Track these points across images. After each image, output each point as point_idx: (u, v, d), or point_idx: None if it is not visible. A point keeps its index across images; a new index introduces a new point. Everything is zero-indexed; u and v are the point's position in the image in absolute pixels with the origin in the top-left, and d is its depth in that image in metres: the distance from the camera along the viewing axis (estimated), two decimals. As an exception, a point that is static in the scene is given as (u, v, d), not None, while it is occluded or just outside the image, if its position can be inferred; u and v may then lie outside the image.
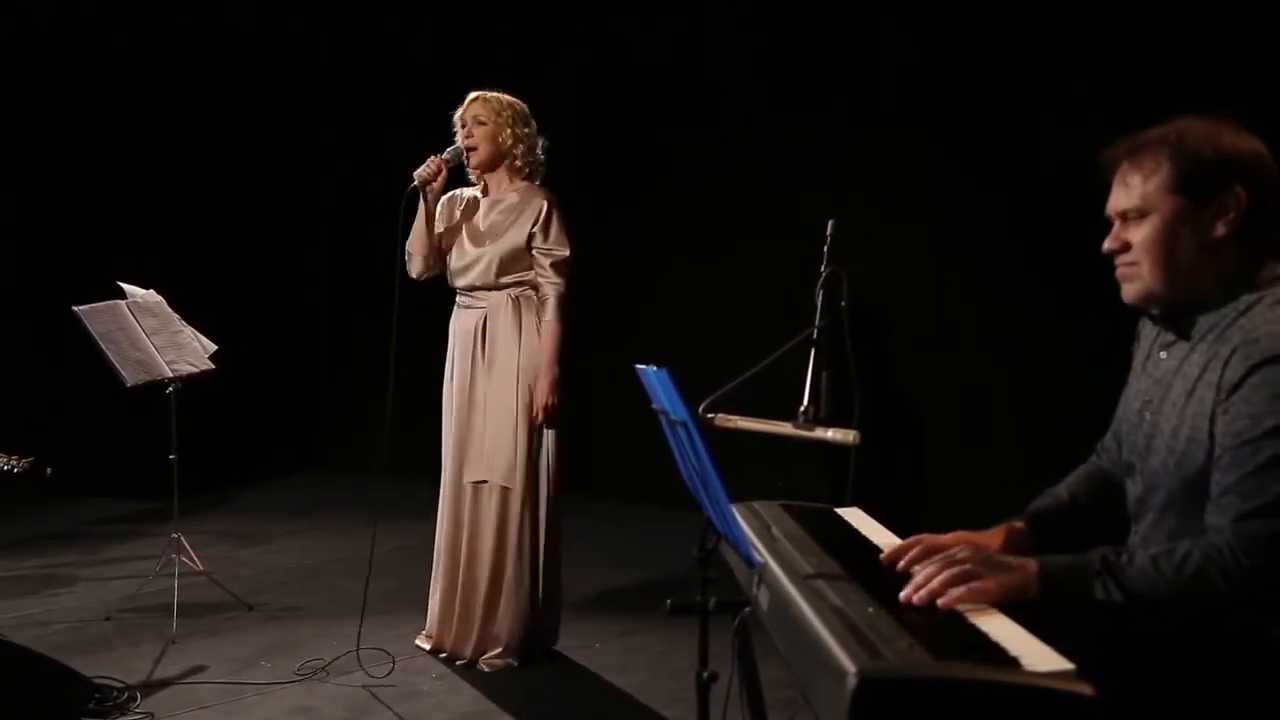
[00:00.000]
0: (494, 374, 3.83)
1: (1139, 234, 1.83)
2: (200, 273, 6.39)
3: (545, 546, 3.87)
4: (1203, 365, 1.80)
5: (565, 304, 3.85)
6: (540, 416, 3.80)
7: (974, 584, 1.67)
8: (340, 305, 7.52)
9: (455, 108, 3.92)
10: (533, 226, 3.82)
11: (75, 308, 4.24)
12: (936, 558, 1.76)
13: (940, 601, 1.66)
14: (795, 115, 5.64)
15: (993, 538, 2.03)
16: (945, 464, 5.17)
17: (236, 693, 3.62)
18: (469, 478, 3.85)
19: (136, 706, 3.46)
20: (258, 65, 7.09)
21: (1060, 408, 4.63)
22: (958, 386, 5.13)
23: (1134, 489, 1.95)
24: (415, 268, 3.95)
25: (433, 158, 3.83)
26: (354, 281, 7.05)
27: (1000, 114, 4.89)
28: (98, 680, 3.54)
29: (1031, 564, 1.70)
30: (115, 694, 3.48)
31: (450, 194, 3.99)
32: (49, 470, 4.00)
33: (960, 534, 1.99)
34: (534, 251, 3.83)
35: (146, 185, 6.59)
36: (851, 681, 1.37)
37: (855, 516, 2.32)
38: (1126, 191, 1.85)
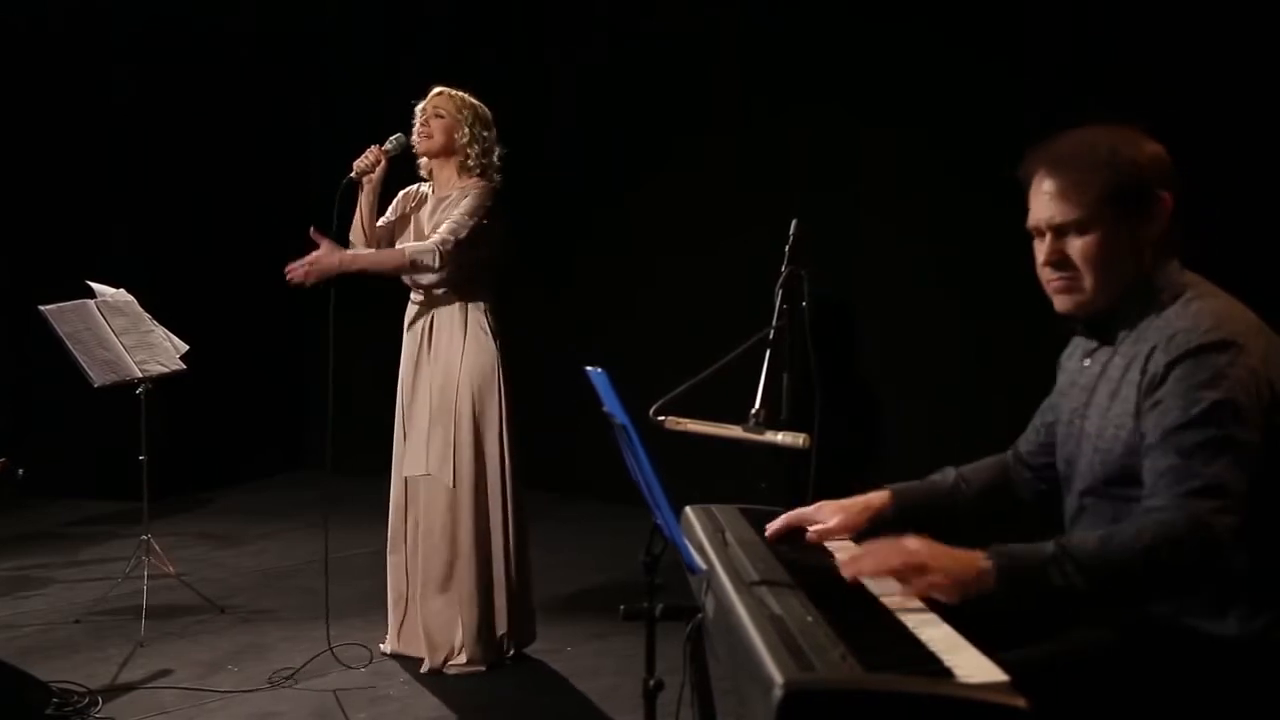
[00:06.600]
0: (437, 372, 3.77)
1: (1078, 246, 1.83)
2: (181, 271, 6.37)
3: (508, 546, 3.77)
4: (1124, 366, 1.82)
5: (434, 261, 3.60)
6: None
7: (925, 578, 1.65)
8: (322, 304, 7.46)
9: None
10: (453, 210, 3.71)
11: (42, 307, 4.19)
12: (886, 544, 1.73)
13: (892, 600, 1.64)
14: (776, 115, 5.60)
15: (857, 512, 2.07)
16: (913, 465, 5.11)
17: (199, 698, 3.57)
18: (407, 471, 3.82)
19: (98, 711, 3.40)
20: (239, 59, 7.02)
21: (1030, 409, 4.57)
22: (927, 387, 5.08)
23: (1068, 497, 1.95)
24: None
25: (372, 148, 3.77)
26: (337, 279, 6.97)
27: (984, 113, 4.84)
28: (59, 685, 3.49)
29: (981, 556, 1.65)
30: (76, 699, 3.41)
31: (406, 189, 3.95)
32: (20, 472, 3.95)
33: (825, 503, 2.07)
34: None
35: (123, 182, 6.53)
36: (777, 693, 1.34)
37: (812, 521, 2.29)
38: (1061, 204, 1.82)
